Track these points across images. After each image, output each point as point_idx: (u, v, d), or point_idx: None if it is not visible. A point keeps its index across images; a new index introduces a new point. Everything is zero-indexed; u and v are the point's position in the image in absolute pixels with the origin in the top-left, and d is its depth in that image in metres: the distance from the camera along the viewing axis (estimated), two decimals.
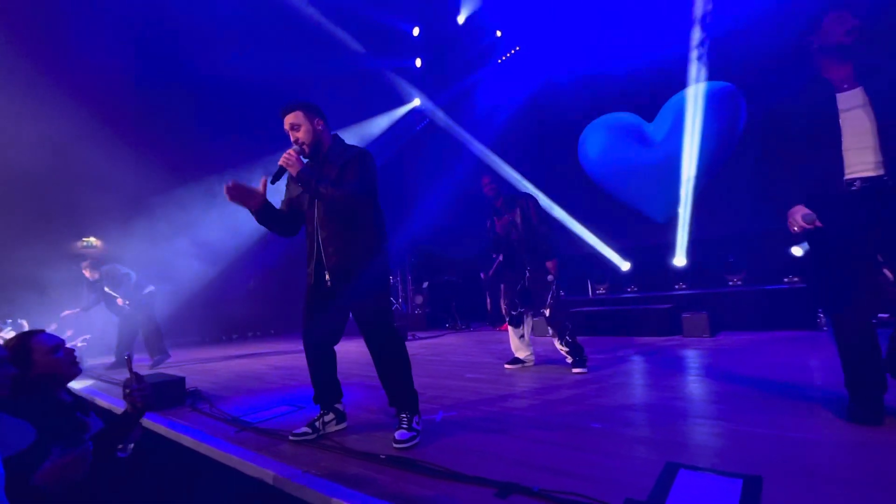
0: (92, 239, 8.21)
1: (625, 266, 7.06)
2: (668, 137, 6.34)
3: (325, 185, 1.98)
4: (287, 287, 9.31)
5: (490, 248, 3.92)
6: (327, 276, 2.10)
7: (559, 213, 7.61)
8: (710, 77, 6.06)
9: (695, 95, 6.09)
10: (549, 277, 3.49)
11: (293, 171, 1.99)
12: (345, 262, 2.06)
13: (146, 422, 2.68)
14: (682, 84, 6.22)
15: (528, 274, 3.53)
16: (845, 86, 1.84)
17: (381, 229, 2.18)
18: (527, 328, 3.72)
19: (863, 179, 1.79)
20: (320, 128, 2.15)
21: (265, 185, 2.07)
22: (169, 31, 7.56)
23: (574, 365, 3.33)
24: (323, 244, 2.10)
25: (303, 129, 2.09)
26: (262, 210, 2.05)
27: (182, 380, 3.20)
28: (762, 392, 2.37)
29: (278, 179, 2.03)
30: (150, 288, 5.51)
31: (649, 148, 6.52)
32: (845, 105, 1.82)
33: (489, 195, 3.71)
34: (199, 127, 8.28)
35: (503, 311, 3.75)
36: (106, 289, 5.36)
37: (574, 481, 1.46)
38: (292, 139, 2.11)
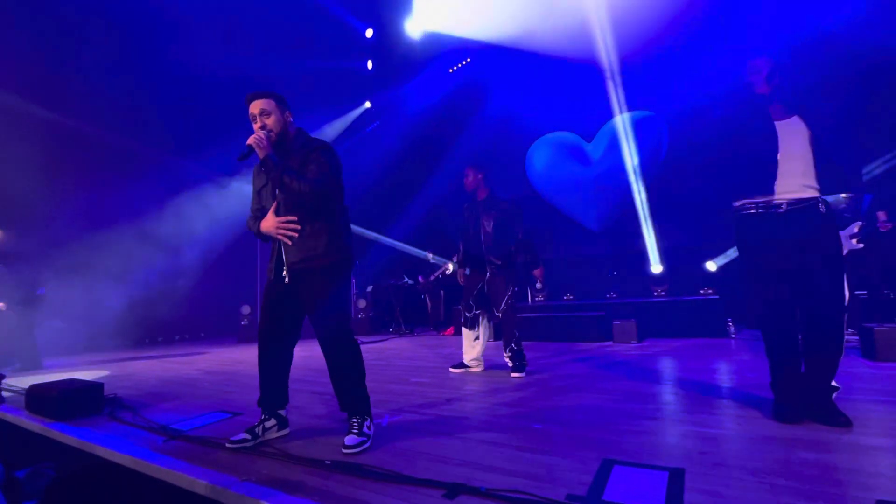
0: None
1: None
2: (604, 156, 6.89)
3: (289, 174, 1.94)
4: (219, 289, 8.78)
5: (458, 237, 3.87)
6: (285, 273, 2.04)
7: None
8: (635, 106, 6.73)
9: (622, 122, 6.67)
10: (538, 285, 3.61)
11: (261, 153, 1.95)
12: (304, 258, 2.01)
13: (54, 433, 2.42)
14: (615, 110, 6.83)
15: (488, 276, 3.56)
16: (779, 115, 2.04)
17: (344, 228, 2.14)
18: (482, 331, 3.70)
19: (790, 202, 1.96)
20: (289, 119, 2.13)
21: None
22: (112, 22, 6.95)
23: (514, 370, 3.43)
24: (282, 242, 2.04)
25: (273, 117, 2.05)
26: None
27: (99, 386, 2.92)
28: (684, 392, 2.61)
29: (245, 159, 1.98)
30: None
31: (588, 165, 7.04)
32: (781, 132, 2.00)
33: (469, 189, 3.69)
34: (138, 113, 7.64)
35: (462, 312, 3.73)
36: None
37: (518, 480, 1.52)
38: (259, 125, 2.04)
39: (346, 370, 2.06)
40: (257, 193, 2.19)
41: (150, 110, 7.71)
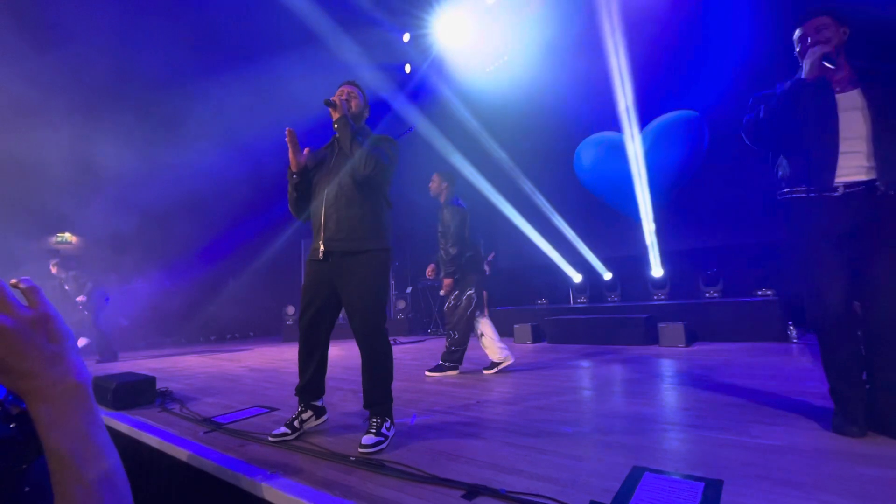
0: (67, 235, 8.02)
1: (607, 275, 7.15)
2: (647, 153, 6.82)
3: (360, 143, 2.05)
4: (267, 290, 9.19)
5: None
6: (321, 248, 2.09)
7: (558, 221, 7.89)
8: (678, 105, 6.67)
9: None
10: (441, 292, 3.68)
11: (340, 111, 2.08)
12: (344, 238, 2.06)
13: (112, 422, 2.62)
14: (660, 109, 6.84)
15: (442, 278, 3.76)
16: (837, 88, 1.79)
17: (387, 221, 2.20)
18: (486, 329, 3.71)
19: (846, 185, 1.72)
20: (365, 116, 2.33)
21: (308, 156, 2.21)
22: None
23: (433, 368, 3.65)
24: (325, 216, 2.11)
25: (357, 101, 2.25)
26: (300, 172, 2.18)
27: (153, 380, 3.12)
28: (732, 400, 2.42)
29: (328, 105, 2.10)
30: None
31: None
32: (842, 105, 1.76)
33: (433, 194, 3.84)
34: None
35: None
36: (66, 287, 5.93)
37: (541, 483, 1.47)
38: (343, 97, 2.20)
39: (375, 369, 2.08)
40: (313, 176, 2.25)
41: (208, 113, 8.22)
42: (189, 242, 8.32)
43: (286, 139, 2.10)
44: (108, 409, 2.85)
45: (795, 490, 1.33)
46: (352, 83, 2.29)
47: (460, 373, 3.72)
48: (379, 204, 2.16)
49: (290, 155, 2.13)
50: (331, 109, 2.09)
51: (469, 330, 3.66)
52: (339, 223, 2.08)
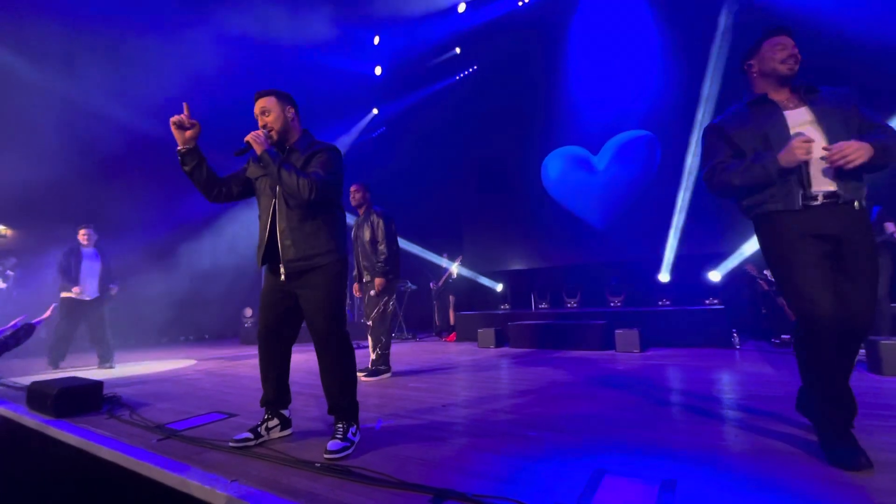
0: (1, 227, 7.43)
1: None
2: (607, 167, 7.46)
3: (288, 168, 1.94)
4: (223, 291, 8.84)
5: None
6: (282, 270, 2.04)
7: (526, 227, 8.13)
8: (638, 125, 7.28)
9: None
10: (372, 293, 3.85)
11: (258, 148, 1.96)
12: (303, 256, 2.02)
13: (53, 430, 2.45)
14: (619, 128, 7.42)
15: (365, 285, 3.93)
16: (791, 105, 1.81)
17: (341, 231, 2.15)
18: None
19: (825, 194, 1.69)
20: (291, 116, 2.12)
21: (198, 129, 2.00)
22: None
23: (368, 373, 3.74)
24: (280, 236, 2.05)
25: (273, 114, 2.07)
26: (190, 151, 1.98)
27: (99, 384, 2.94)
28: (684, 402, 2.57)
29: (241, 154, 2.00)
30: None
31: (594, 174, 7.40)
32: (793, 122, 1.77)
33: (354, 203, 3.97)
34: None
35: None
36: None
37: (508, 486, 1.51)
38: (260, 124, 2.07)
39: (336, 373, 2.06)
40: (241, 176, 2.19)
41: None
42: (131, 230, 7.87)
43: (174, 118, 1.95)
44: (48, 417, 2.66)
45: (744, 486, 1.44)
46: (261, 95, 2.08)
47: (392, 375, 3.91)
48: (330, 215, 2.10)
49: (173, 130, 1.95)
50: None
51: (391, 334, 3.91)
52: (297, 244, 2.01)
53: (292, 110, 2.14)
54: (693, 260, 6.42)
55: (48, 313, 4.50)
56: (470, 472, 1.66)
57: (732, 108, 1.98)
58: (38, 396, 2.78)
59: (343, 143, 10.13)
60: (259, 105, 2.08)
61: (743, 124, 1.87)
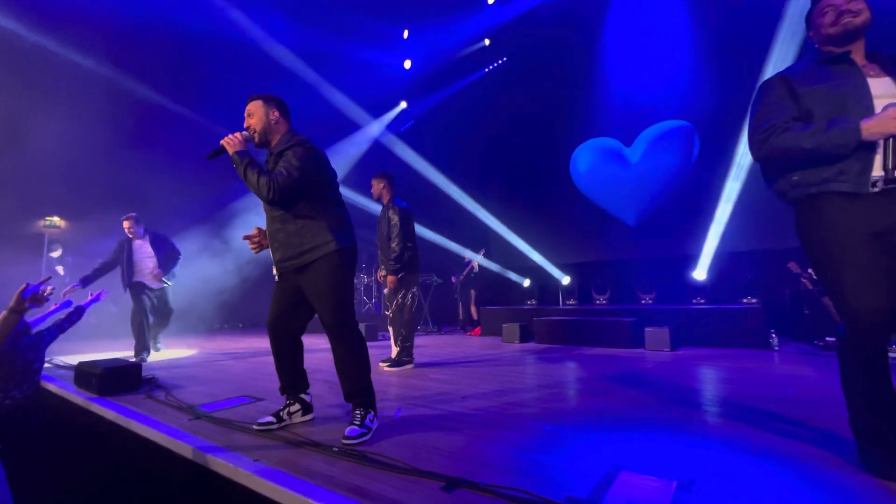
0: (55, 218, 7.93)
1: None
2: (641, 160, 7.07)
3: (254, 169, 1.97)
4: (256, 281, 9.15)
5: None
6: (275, 270, 2.15)
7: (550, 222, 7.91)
8: (675, 115, 6.90)
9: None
10: (385, 291, 3.88)
11: (230, 150, 2.02)
12: (289, 257, 2.08)
13: (96, 407, 2.61)
14: (654, 118, 7.06)
15: (384, 277, 3.94)
16: (871, 73, 1.56)
17: (334, 223, 2.11)
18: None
19: (886, 180, 1.44)
20: (274, 118, 2.15)
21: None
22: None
23: (391, 363, 3.82)
24: (270, 238, 2.14)
25: (255, 117, 2.13)
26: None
27: (139, 366, 3.12)
28: (709, 402, 2.48)
29: (214, 157, 2.06)
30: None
31: (627, 167, 7.11)
32: (878, 90, 1.51)
33: (375, 197, 4.00)
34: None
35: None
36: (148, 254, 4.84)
37: (519, 478, 1.50)
38: (244, 125, 2.15)
39: (348, 361, 2.10)
40: None
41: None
42: (179, 229, 8.27)
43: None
44: (92, 395, 2.84)
45: (766, 490, 1.37)
46: (252, 98, 2.16)
47: (415, 367, 3.96)
48: (315, 210, 2.08)
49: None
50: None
51: (414, 326, 3.94)
52: (283, 244, 2.08)
53: (276, 112, 2.15)
54: (731, 257, 6.14)
55: (96, 296, 4.44)
56: (483, 463, 1.66)
57: (800, 64, 1.70)
58: (84, 375, 2.98)
59: (369, 136, 10.23)
60: (246, 109, 2.15)
61: (816, 82, 1.58)
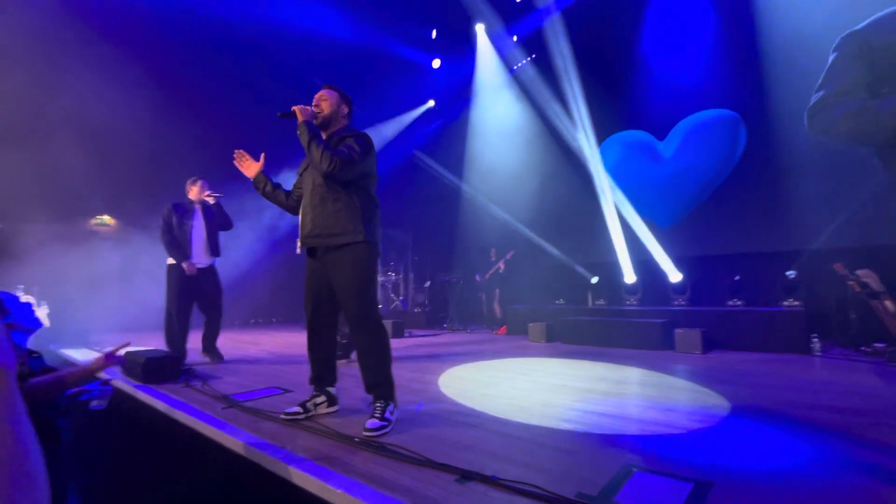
0: (105, 217, 8.44)
1: (630, 278, 7.00)
2: (676, 155, 6.57)
3: (318, 142, 2.09)
4: (290, 277, 9.44)
5: None
6: (298, 244, 2.24)
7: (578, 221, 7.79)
8: (717, 104, 6.34)
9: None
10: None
11: (300, 117, 2.15)
12: (318, 234, 2.16)
13: (140, 394, 2.80)
14: (691, 108, 6.55)
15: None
16: None
17: (368, 218, 2.20)
18: None
19: None
20: (343, 113, 2.33)
21: (263, 159, 2.39)
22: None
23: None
24: (302, 214, 2.24)
25: (328, 103, 2.28)
26: (258, 179, 2.35)
27: (179, 357, 3.32)
28: (737, 405, 2.40)
29: (284, 117, 2.20)
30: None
31: (659, 163, 6.75)
32: None
33: None
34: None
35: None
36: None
37: (533, 473, 1.52)
38: (314, 104, 2.29)
39: (370, 354, 2.16)
40: (300, 175, 2.39)
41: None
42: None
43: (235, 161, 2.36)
44: (136, 382, 3.05)
45: (784, 497, 1.34)
46: (326, 86, 2.33)
47: (438, 363, 3.94)
48: (353, 199, 2.16)
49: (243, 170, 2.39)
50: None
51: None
52: (314, 220, 2.17)
53: (346, 109, 2.35)
54: (773, 258, 5.84)
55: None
56: (499, 457, 1.69)
57: (890, 11, 1.32)
58: (130, 364, 3.19)
59: (392, 132, 10.35)
60: (321, 94, 2.30)
61: None
